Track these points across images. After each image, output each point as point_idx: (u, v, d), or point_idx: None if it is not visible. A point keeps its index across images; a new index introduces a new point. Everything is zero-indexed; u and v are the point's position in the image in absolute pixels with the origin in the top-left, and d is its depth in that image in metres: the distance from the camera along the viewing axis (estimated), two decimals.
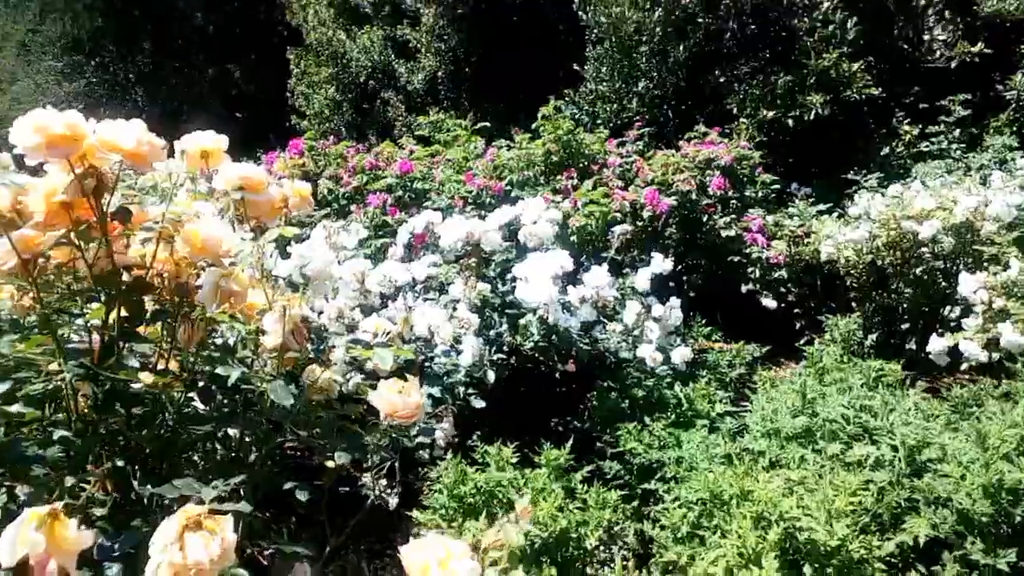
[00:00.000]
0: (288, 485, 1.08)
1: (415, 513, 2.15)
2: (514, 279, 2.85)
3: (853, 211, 3.88)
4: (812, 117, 4.89)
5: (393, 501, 2.22)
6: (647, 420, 2.54)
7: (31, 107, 1.06)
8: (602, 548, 2.15)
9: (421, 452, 2.29)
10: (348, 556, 2.19)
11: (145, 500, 1.05)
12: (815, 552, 1.69)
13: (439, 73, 7.77)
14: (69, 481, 0.95)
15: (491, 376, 2.40)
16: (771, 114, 4.96)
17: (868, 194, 3.92)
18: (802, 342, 4.30)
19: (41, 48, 11.90)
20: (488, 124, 4.69)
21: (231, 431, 1.21)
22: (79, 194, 1.08)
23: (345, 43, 7.99)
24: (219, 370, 1.09)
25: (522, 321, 2.83)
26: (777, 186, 4.31)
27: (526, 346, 2.79)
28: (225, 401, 1.17)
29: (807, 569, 1.67)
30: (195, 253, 1.14)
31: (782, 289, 4.07)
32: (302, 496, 1.06)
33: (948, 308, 3.71)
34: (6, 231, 1.13)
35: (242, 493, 1.09)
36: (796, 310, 4.36)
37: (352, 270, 2.64)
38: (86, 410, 1.18)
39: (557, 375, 3.14)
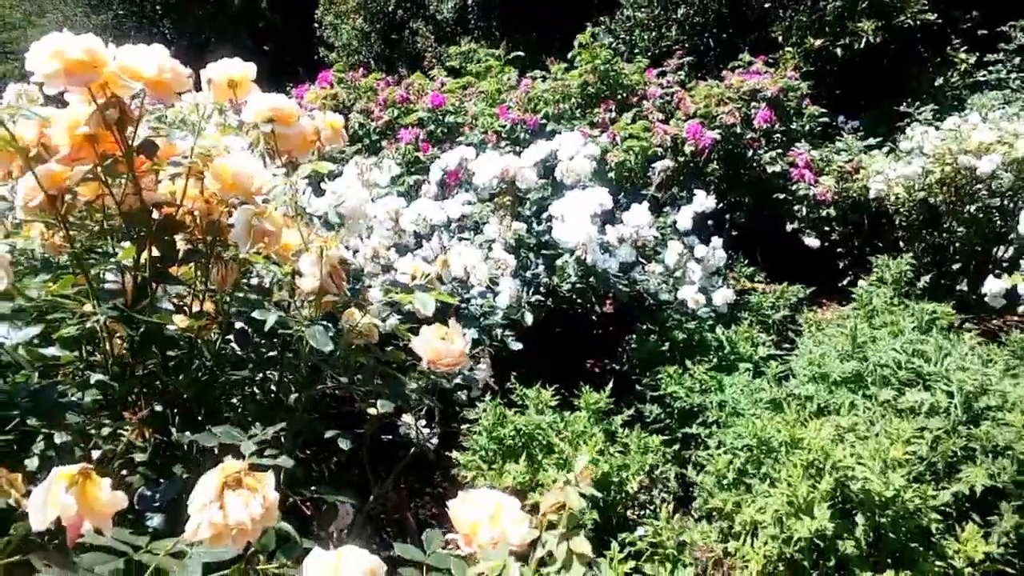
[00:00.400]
0: (329, 433, 1.04)
1: (455, 454, 2.13)
2: (550, 218, 2.76)
3: (905, 145, 3.69)
4: (863, 45, 4.62)
5: (433, 442, 2.20)
6: (688, 363, 2.48)
7: None
8: (643, 492, 2.12)
9: (459, 393, 2.26)
10: (388, 495, 2.17)
11: (185, 446, 1.02)
12: (869, 502, 1.63)
13: (469, 1, 7.49)
14: (106, 429, 0.92)
15: (529, 318, 2.34)
16: (819, 42, 4.69)
17: (921, 127, 3.71)
18: (845, 282, 4.18)
19: None
20: (522, 54, 4.50)
21: (269, 375, 1.17)
22: (101, 125, 1.01)
23: None
24: (255, 314, 1.04)
25: (559, 262, 2.75)
26: (825, 119, 4.10)
27: (563, 287, 2.72)
28: (263, 343, 1.12)
29: (859, 519, 1.62)
30: (226, 190, 1.07)
31: (825, 228, 3.92)
32: (344, 445, 1.01)
33: (1001, 249, 3.55)
34: (32, 166, 1.08)
35: (282, 440, 1.05)
36: (839, 249, 4.22)
37: (386, 208, 2.57)
38: (123, 351, 1.15)
39: (594, 317, 3.07)
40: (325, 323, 0.99)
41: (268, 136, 1.15)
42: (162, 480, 1.02)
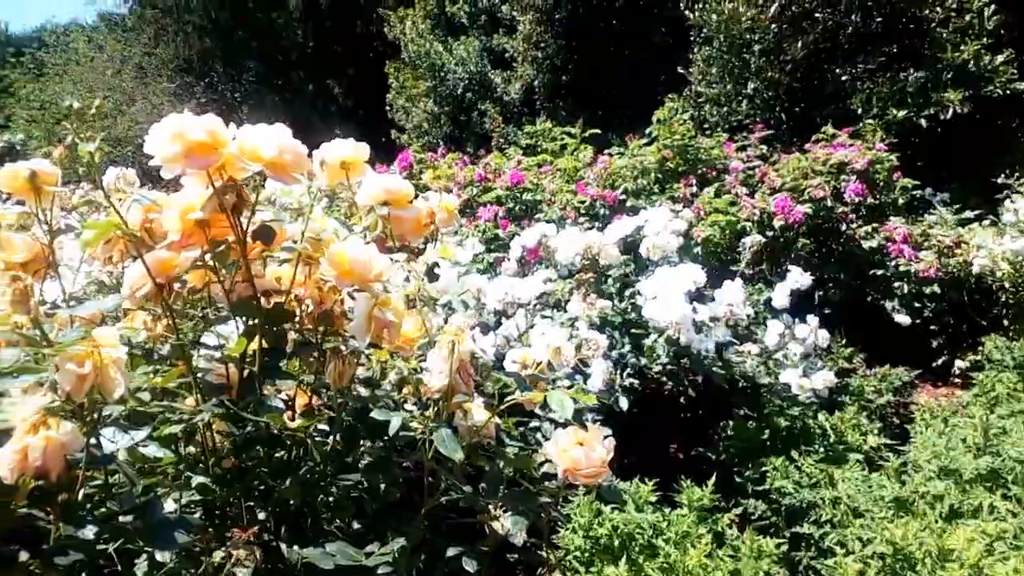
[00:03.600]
0: (452, 551, 0.92)
1: (546, 553, 1.97)
2: (632, 295, 2.65)
3: (1008, 218, 3.49)
4: (950, 116, 4.46)
5: (521, 536, 2.04)
6: (793, 454, 2.28)
7: (148, 127, 0.94)
8: None
9: (548, 483, 2.12)
10: None
11: (293, 563, 0.91)
12: None
13: (535, 82, 7.63)
14: (218, 555, 0.81)
15: (624, 403, 2.20)
16: (902, 113, 4.55)
17: None
18: (940, 362, 3.91)
19: (156, 70, 12.51)
20: (598, 131, 4.50)
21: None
22: (217, 210, 0.95)
23: (442, 55, 7.97)
24: (375, 414, 0.94)
25: (647, 342, 2.61)
26: (917, 191, 3.93)
27: (653, 369, 2.57)
28: (376, 446, 1.02)
29: None
30: (342, 277, 1.00)
31: (916, 304, 3.69)
32: (470, 567, 0.89)
33: None
34: (139, 252, 1.03)
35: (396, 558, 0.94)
36: (932, 327, 3.96)
37: (469, 286, 2.51)
38: (223, 446, 1.06)
39: (682, 400, 2.90)
40: (451, 425, 0.89)
41: (384, 219, 1.08)
42: None
